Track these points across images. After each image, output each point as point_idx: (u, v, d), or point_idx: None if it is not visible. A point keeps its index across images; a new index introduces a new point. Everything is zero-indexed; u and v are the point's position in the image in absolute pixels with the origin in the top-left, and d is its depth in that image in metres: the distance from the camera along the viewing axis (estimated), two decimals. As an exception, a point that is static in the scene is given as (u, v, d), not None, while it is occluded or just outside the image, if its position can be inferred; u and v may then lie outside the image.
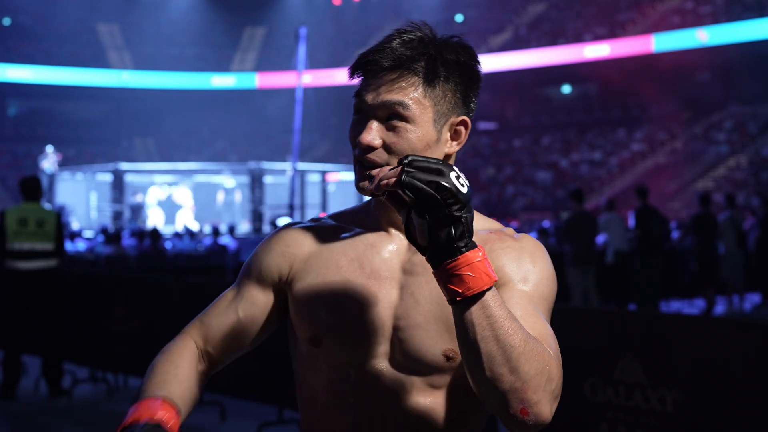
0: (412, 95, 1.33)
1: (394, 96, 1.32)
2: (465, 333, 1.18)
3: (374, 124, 1.33)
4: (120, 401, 6.48)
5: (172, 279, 6.09)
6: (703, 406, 3.34)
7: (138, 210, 22.00)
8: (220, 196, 24.75)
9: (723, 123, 30.11)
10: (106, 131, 38.24)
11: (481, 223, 1.41)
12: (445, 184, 1.12)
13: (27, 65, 35.52)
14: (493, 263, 1.33)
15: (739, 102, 30.22)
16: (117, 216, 22.08)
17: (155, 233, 13.03)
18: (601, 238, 10.18)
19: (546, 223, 18.12)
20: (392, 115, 1.33)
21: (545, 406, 1.20)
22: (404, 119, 1.33)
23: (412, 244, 1.20)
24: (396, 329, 1.36)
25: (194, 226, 21.78)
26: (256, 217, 22.10)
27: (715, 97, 30.59)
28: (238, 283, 1.49)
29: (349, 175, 24.15)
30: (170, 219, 22.90)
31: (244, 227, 22.20)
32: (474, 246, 1.16)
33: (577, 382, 3.66)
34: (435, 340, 1.34)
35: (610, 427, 3.58)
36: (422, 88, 1.34)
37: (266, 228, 20.77)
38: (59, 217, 6.82)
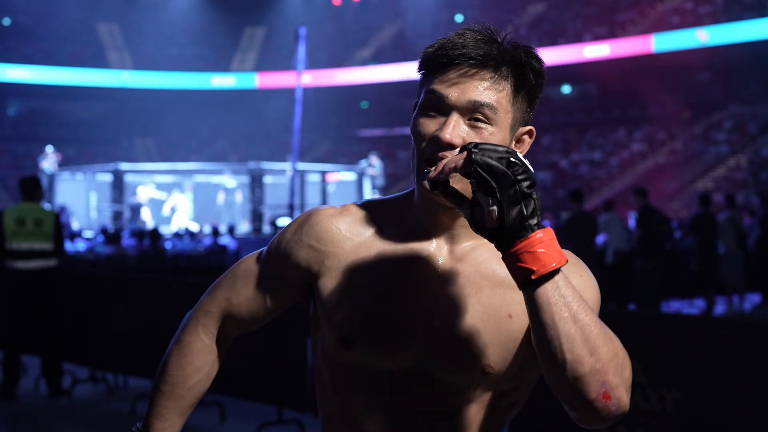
0: (499, 99, 1.30)
1: (483, 97, 1.29)
2: (541, 314, 1.15)
3: (459, 122, 1.29)
4: (120, 401, 6.48)
5: (172, 279, 6.09)
6: (703, 406, 3.34)
7: (138, 210, 22.00)
8: (221, 197, 24.74)
9: (723, 123, 30.10)
10: (106, 131, 38.23)
11: None
12: (515, 160, 1.12)
13: (27, 65, 35.51)
14: None
15: (739, 102, 30.22)
16: (117, 216, 22.07)
17: (155, 233, 13.04)
18: (600, 238, 10.18)
19: (546, 223, 18.11)
20: (476, 116, 1.29)
21: (625, 393, 1.19)
22: (488, 121, 1.29)
23: (478, 233, 1.18)
24: (434, 339, 1.31)
25: (193, 227, 21.80)
26: (256, 217, 22.08)
27: (715, 97, 30.59)
28: (263, 265, 1.44)
29: (349, 175, 24.14)
30: (165, 218, 22.87)
31: (244, 227, 22.19)
32: (544, 225, 1.16)
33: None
34: (474, 353, 1.30)
35: (609, 427, 3.58)
36: (509, 92, 1.31)
37: (266, 228, 20.75)
38: (58, 217, 6.80)
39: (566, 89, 36.37)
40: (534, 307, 1.16)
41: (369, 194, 21.45)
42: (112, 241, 12.48)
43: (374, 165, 21.92)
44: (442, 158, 1.25)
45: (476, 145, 1.14)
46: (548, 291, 1.14)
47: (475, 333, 1.30)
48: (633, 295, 10.17)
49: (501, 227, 1.14)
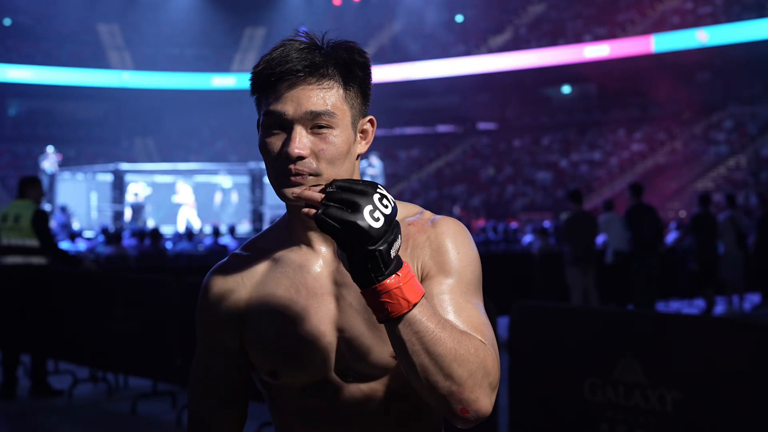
0: (334, 102, 1.35)
1: (318, 105, 1.33)
2: (396, 348, 1.23)
3: (302, 133, 1.33)
4: (120, 401, 6.48)
5: (172, 279, 6.09)
6: (703, 406, 3.35)
7: (138, 210, 22.00)
8: (218, 197, 24.74)
9: (722, 123, 30.11)
10: (106, 131, 38.24)
11: (401, 211, 1.43)
12: (356, 221, 1.15)
13: (27, 65, 35.51)
14: (417, 258, 1.38)
15: (739, 102, 30.22)
16: (117, 216, 22.08)
17: (155, 233, 13.04)
18: (600, 238, 10.18)
19: (546, 223, 18.13)
20: (317, 123, 1.34)
21: (484, 401, 1.25)
22: (329, 126, 1.34)
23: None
24: (342, 341, 1.39)
25: (197, 224, 21.78)
26: (257, 217, 22.09)
27: (715, 97, 30.60)
28: (201, 360, 1.50)
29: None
30: (169, 219, 22.87)
31: (244, 227, 22.19)
32: (393, 272, 1.19)
33: (577, 382, 3.67)
34: (380, 343, 1.36)
35: (609, 427, 3.58)
36: (341, 92, 1.36)
37: (266, 228, 20.76)
38: (40, 213, 6.57)
39: (566, 89, 36.37)
40: (391, 340, 1.24)
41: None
42: (112, 241, 12.48)
43: (374, 165, 21.93)
44: (297, 172, 1.32)
45: (330, 193, 1.17)
46: (400, 330, 1.21)
47: (371, 324, 1.37)
48: (630, 296, 10.16)
49: (350, 272, 1.21)
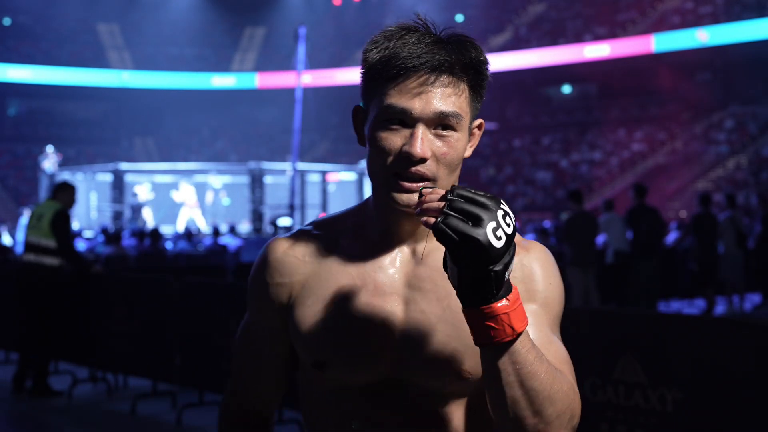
0: (461, 104, 1.27)
1: (448, 106, 1.24)
2: (489, 376, 1.16)
3: (426, 134, 1.25)
4: (120, 401, 6.48)
5: (172, 279, 6.08)
6: (703, 405, 3.34)
7: (138, 210, 22.02)
8: (209, 196, 24.75)
9: (723, 123, 30.11)
10: (106, 131, 38.26)
11: None
12: (478, 238, 1.06)
13: (27, 65, 35.53)
14: None
15: (739, 102, 30.23)
16: (117, 216, 22.09)
17: (155, 233, 13.04)
18: (600, 238, 10.17)
19: (546, 223, 18.12)
20: (443, 125, 1.25)
21: None
22: (454, 128, 1.26)
23: (447, 277, 1.15)
24: (404, 349, 1.29)
25: (202, 225, 21.78)
26: (257, 217, 22.10)
27: (715, 97, 30.61)
28: (247, 329, 1.44)
29: (349, 175, 24.15)
30: (169, 218, 22.88)
31: (244, 227, 22.20)
32: (504, 295, 1.11)
33: (577, 381, 3.66)
34: (447, 358, 1.28)
35: (610, 427, 3.58)
36: (468, 94, 1.28)
37: (267, 228, 20.77)
38: (59, 213, 6.58)
39: (566, 89, 36.38)
40: (484, 366, 1.17)
41: (370, 194, 21.43)
42: (112, 241, 12.48)
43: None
44: (415, 175, 1.24)
45: (452, 201, 1.08)
46: (498, 358, 1.14)
47: (446, 338, 1.28)
48: (630, 296, 10.14)
49: (457, 288, 1.12)
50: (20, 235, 15.29)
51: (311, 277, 1.35)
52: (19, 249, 12.34)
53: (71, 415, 6.20)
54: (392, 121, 1.26)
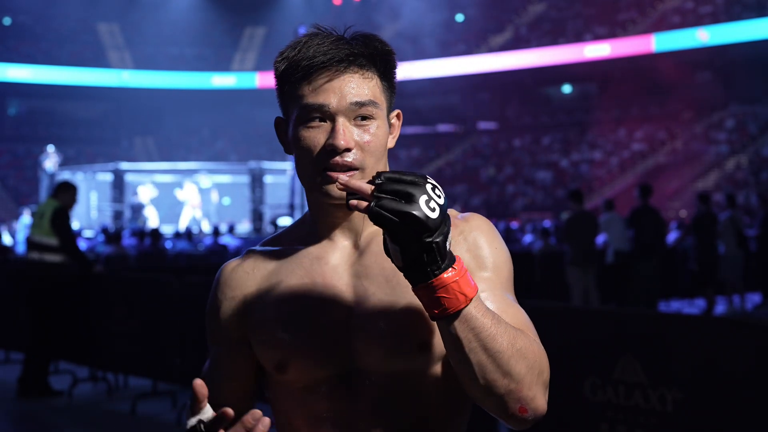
0: (375, 92, 1.31)
1: (362, 96, 1.29)
2: (452, 347, 1.18)
3: (347, 125, 1.29)
4: (120, 401, 6.48)
5: (172, 278, 6.08)
6: (704, 405, 3.34)
7: (138, 210, 22.02)
8: (214, 196, 24.76)
9: (723, 123, 30.11)
10: (106, 131, 38.26)
11: None
12: (414, 212, 1.09)
13: (27, 65, 35.53)
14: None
15: (740, 102, 30.22)
16: (117, 216, 22.09)
17: (155, 233, 13.04)
18: (601, 238, 10.16)
19: (546, 223, 18.12)
20: (361, 115, 1.30)
21: (540, 399, 1.23)
22: (372, 117, 1.31)
23: (392, 263, 1.18)
24: (360, 335, 1.31)
25: (204, 224, 21.74)
26: (257, 217, 22.11)
27: (716, 96, 30.60)
28: (210, 345, 1.45)
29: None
30: (169, 218, 22.88)
31: (244, 227, 22.21)
32: (449, 265, 1.14)
33: (577, 381, 3.66)
34: (405, 334, 1.29)
35: (610, 427, 3.58)
36: (380, 83, 1.33)
37: (267, 228, 20.77)
38: (58, 211, 6.58)
39: (567, 89, 36.37)
40: (445, 339, 1.19)
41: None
42: (112, 241, 12.49)
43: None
44: (343, 165, 1.27)
45: (382, 184, 1.11)
46: (456, 327, 1.16)
47: (400, 313, 1.30)
48: (630, 296, 10.14)
49: (404, 268, 1.15)
50: (20, 234, 15.29)
51: (262, 286, 1.39)
52: (20, 248, 12.35)
53: (71, 415, 6.20)
54: (312, 119, 1.30)
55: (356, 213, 1.35)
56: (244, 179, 23.83)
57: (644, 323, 3.72)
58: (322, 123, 1.30)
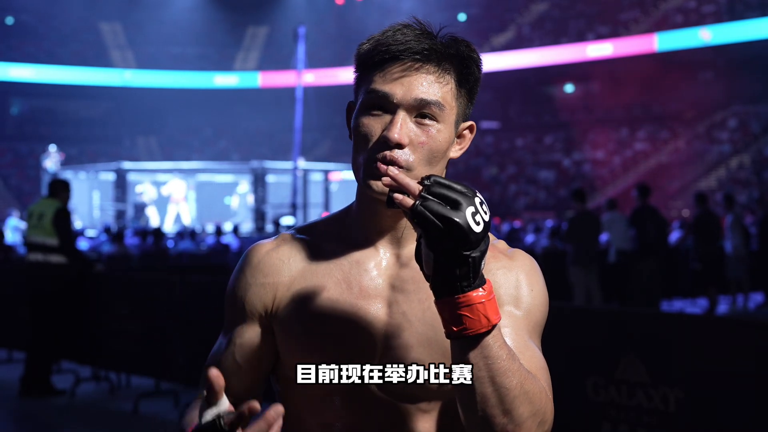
0: (445, 95, 1.26)
1: (430, 94, 1.24)
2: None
3: (406, 120, 1.24)
4: (122, 400, 6.48)
5: (174, 278, 6.08)
6: (706, 405, 3.34)
7: (141, 209, 22.04)
8: (235, 201, 24.77)
9: (726, 122, 30.07)
10: (108, 130, 38.28)
11: None
12: (458, 221, 1.05)
13: (30, 64, 35.56)
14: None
15: (742, 101, 30.18)
16: (120, 215, 22.10)
17: (158, 232, 13.05)
18: (603, 238, 10.15)
19: (549, 223, 18.10)
20: (424, 114, 1.25)
21: None
22: (435, 118, 1.25)
23: (420, 268, 1.13)
24: (386, 350, 1.27)
25: (186, 220, 21.66)
26: (259, 216, 22.12)
27: (718, 96, 30.56)
28: (226, 328, 1.39)
29: (352, 174, 24.12)
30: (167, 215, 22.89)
31: (246, 226, 22.21)
32: (479, 285, 1.09)
33: (580, 381, 3.66)
34: (428, 361, 1.24)
35: (612, 426, 3.57)
36: (454, 88, 1.28)
37: (269, 227, 20.77)
38: (60, 211, 6.58)
39: (569, 88, 36.33)
40: (454, 359, 1.14)
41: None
42: (114, 240, 12.49)
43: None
44: (389, 160, 1.22)
45: (430, 186, 1.06)
46: (470, 351, 1.11)
47: (427, 341, 1.26)
48: (632, 295, 10.12)
49: (433, 277, 1.10)
50: (10, 235, 15.15)
51: (296, 280, 1.33)
52: (19, 249, 12.32)
53: (74, 414, 6.21)
54: (374, 106, 1.26)
55: (403, 222, 1.31)
56: (247, 178, 23.84)
57: (647, 323, 3.72)
58: (384, 113, 1.25)
